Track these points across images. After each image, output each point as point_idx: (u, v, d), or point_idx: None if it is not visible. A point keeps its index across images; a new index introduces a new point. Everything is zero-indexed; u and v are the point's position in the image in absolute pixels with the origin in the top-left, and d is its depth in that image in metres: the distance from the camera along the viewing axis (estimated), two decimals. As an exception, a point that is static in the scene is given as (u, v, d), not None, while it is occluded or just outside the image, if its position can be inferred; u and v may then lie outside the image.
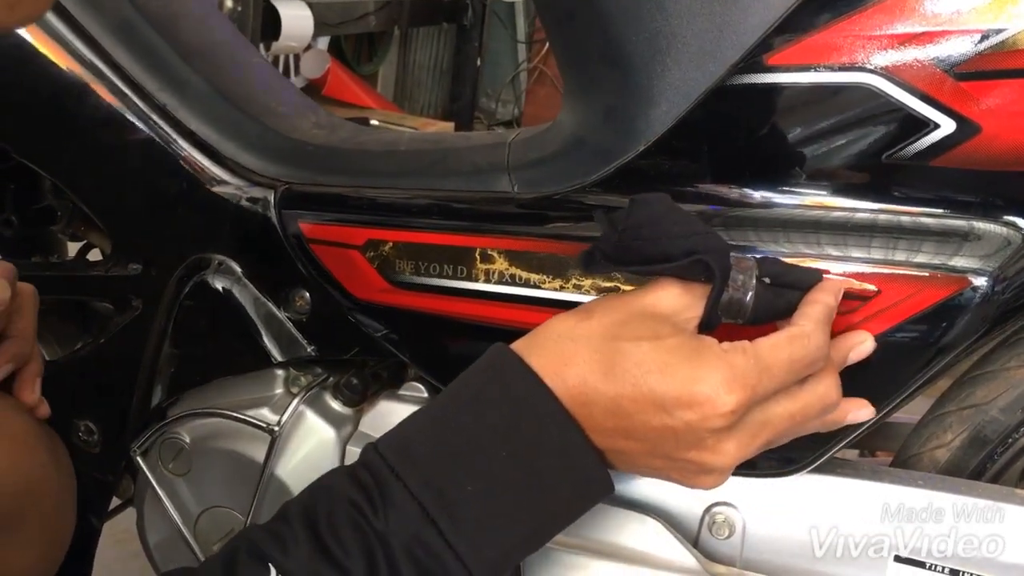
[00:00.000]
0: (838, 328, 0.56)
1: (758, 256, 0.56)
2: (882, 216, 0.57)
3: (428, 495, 0.49)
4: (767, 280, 0.54)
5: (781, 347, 0.50)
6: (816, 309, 0.53)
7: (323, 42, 2.98)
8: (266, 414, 0.71)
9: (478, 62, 3.37)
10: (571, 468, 0.50)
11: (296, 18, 2.32)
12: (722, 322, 0.53)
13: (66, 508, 0.62)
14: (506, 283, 0.64)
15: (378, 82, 3.52)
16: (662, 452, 0.50)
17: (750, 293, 0.53)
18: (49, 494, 0.59)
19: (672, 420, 0.49)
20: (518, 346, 0.53)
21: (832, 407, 0.54)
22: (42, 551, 0.59)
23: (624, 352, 0.50)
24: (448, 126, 3.11)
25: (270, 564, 0.47)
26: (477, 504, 0.49)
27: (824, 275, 0.56)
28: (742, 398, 0.48)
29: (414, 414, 0.54)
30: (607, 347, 0.50)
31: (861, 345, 0.55)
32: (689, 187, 0.60)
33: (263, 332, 0.71)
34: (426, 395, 0.71)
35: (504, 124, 3.72)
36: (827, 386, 0.53)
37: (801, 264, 0.57)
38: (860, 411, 0.56)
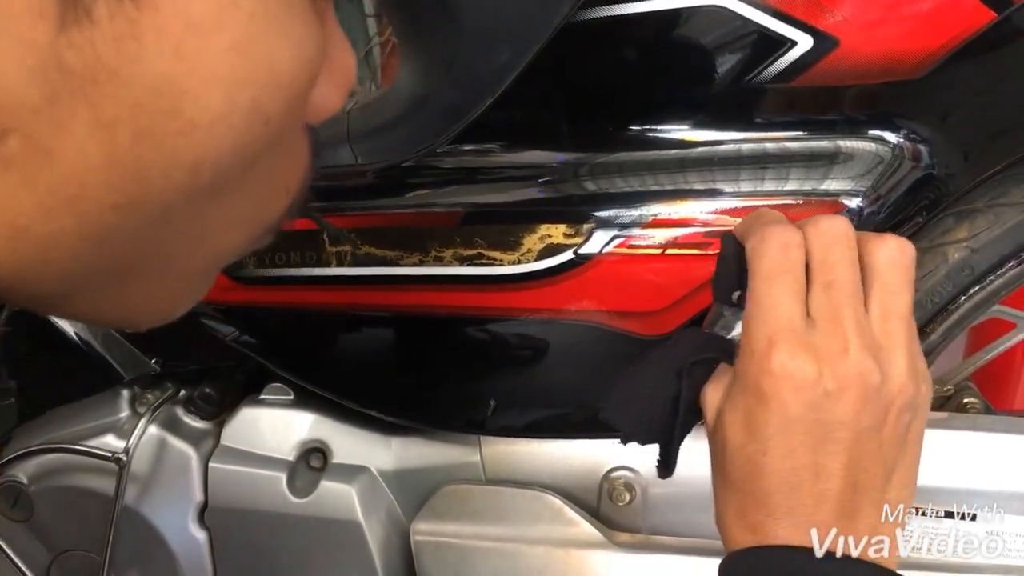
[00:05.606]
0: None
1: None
2: (749, 145, 0.54)
3: None
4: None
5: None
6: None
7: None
8: (110, 441, 0.63)
9: (328, 41, 3.25)
10: None
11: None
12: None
13: None
14: (361, 264, 0.58)
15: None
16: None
17: None
18: None
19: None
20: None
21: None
22: None
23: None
24: (304, 109, 2.99)
25: None
26: None
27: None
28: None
29: None
30: None
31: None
32: (548, 136, 0.56)
33: (98, 351, 0.64)
34: (292, 396, 0.65)
35: (364, 102, 3.61)
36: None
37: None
38: None
